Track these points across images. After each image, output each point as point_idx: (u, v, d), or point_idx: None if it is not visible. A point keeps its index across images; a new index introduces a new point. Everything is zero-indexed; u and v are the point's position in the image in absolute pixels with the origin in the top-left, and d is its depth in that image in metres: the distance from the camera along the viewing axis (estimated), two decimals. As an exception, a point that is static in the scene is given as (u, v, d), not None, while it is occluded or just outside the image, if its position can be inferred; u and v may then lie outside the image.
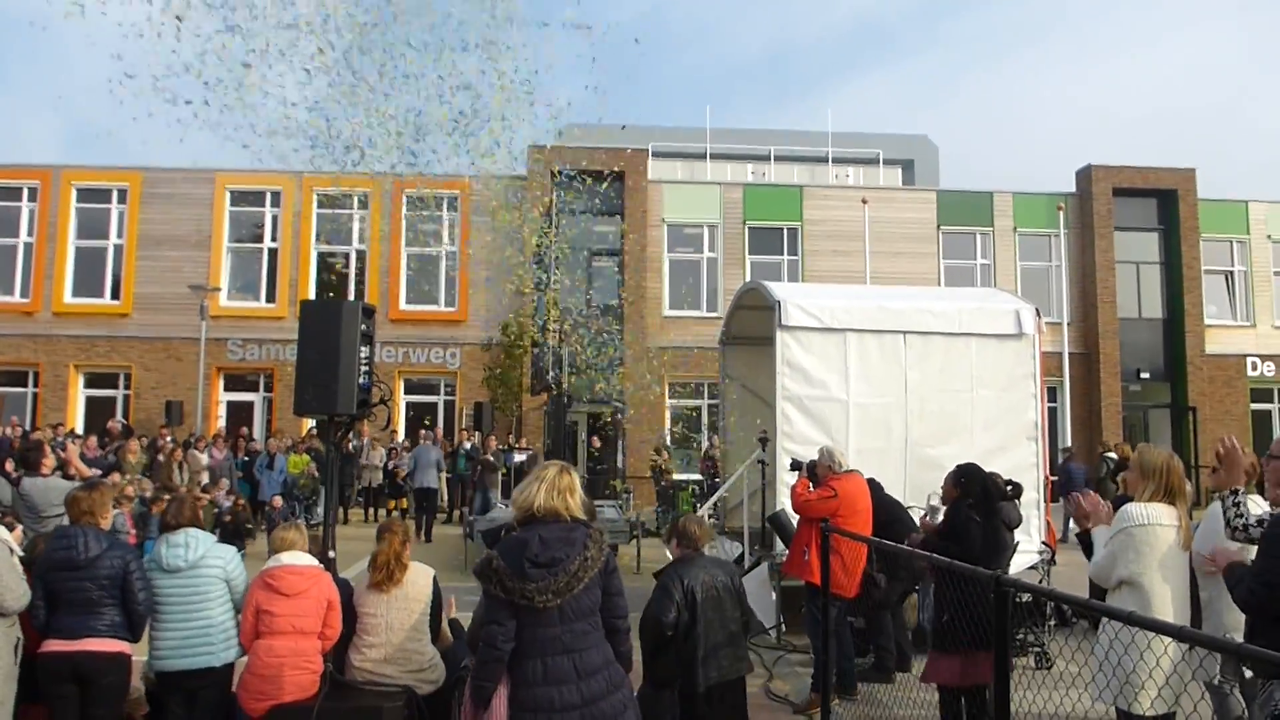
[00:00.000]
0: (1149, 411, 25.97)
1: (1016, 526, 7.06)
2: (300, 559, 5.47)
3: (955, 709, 5.74)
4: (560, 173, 21.68)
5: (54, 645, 5.06)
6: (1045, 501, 10.12)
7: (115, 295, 23.78)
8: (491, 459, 18.60)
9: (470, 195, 23.62)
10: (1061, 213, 23.98)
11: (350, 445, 17.90)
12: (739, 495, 11.59)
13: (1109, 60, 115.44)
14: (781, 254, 25.11)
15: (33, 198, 23.79)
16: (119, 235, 23.89)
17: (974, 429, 9.75)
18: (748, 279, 22.49)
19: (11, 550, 5.00)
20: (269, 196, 23.95)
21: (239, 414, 23.88)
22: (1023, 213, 25.79)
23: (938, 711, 5.88)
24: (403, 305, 23.96)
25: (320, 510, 13.55)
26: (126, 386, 23.71)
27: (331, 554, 6.45)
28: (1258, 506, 4.70)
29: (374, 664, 5.40)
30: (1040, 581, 9.17)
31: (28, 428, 20.79)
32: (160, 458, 17.11)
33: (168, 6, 8.69)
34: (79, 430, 22.11)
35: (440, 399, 24.59)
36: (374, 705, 5.28)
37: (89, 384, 24.00)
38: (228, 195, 23.96)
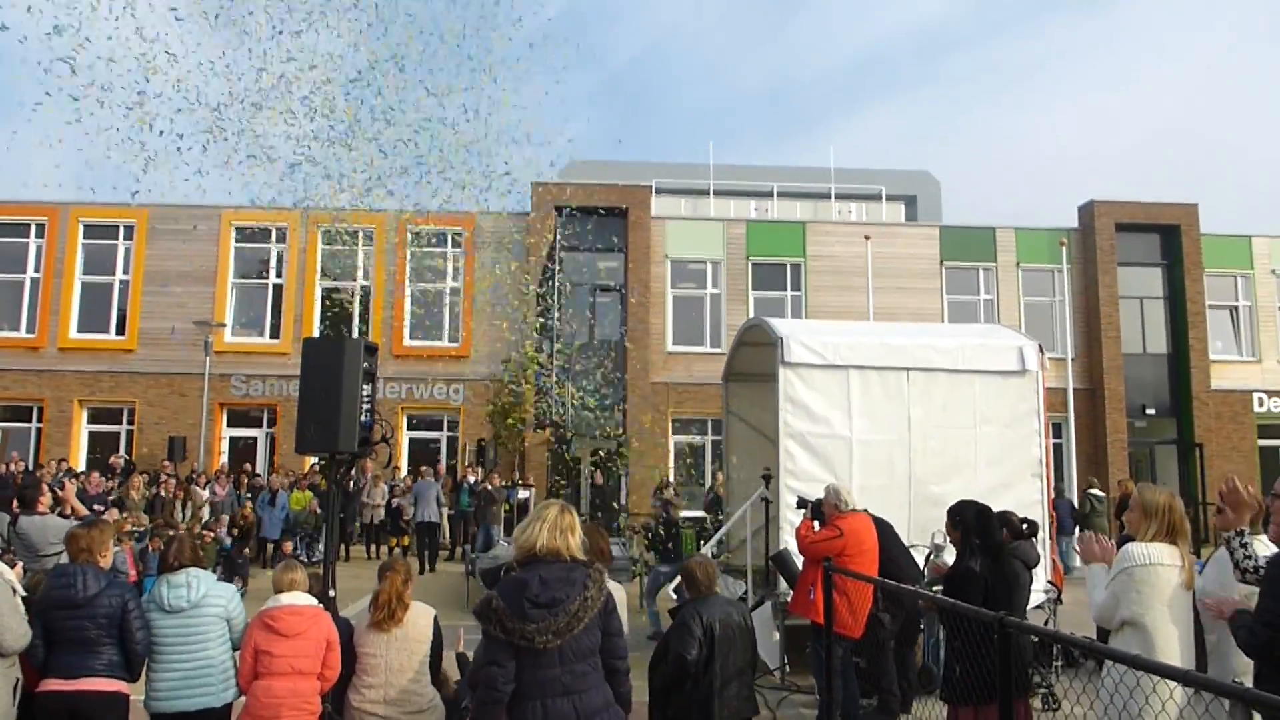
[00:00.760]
0: (1155, 447, 25.84)
1: (1035, 566, 6.99)
2: (300, 599, 5.43)
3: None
4: (564, 211, 21.86)
5: (52, 684, 5.02)
6: (1051, 539, 10.06)
7: (120, 331, 23.86)
8: (494, 494, 18.57)
9: (474, 232, 23.74)
10: (1064, 248, 24.02)
11: (352, 483, 17.86)
12: (742, 533, 11.53)
13: (1110, 96, 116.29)
14: (785, 290, 25.14)
15: (40, 234, 23.96)
16: (125, 271, 24.02)
17: (978, 466, 9.71)
18: (751, 315, 22.52)
19: (14, 590, 4.98)
20: (274, 233, 24.07)
21: (242, 450, 23.87)
22: (1025, 248, 25.84)
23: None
24: (406, 341, 23.99)
25: (322, 547, 13.50)
26: (130, 422, 23.71)
27: (332, 593, 6.40)
28: (1265, 547, 4.64)
29: (373, 705, 5.35)
30: (1046, 621, 9.08)
31: (31, 464, 20.79)
32: (162, 493, 17.12)
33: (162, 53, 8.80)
34: (81, 466, 22.11)
35: (443, 435, 24.55)
36: (373, 747, 5.23)
37: (93, 419, 24.01)
38: (233, 232, 24.08)
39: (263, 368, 23.52)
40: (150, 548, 13.59)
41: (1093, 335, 25.43)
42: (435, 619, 5.64)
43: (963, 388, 9.90)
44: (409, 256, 24.06)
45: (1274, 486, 4.72)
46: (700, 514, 19.16)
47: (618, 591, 4.79)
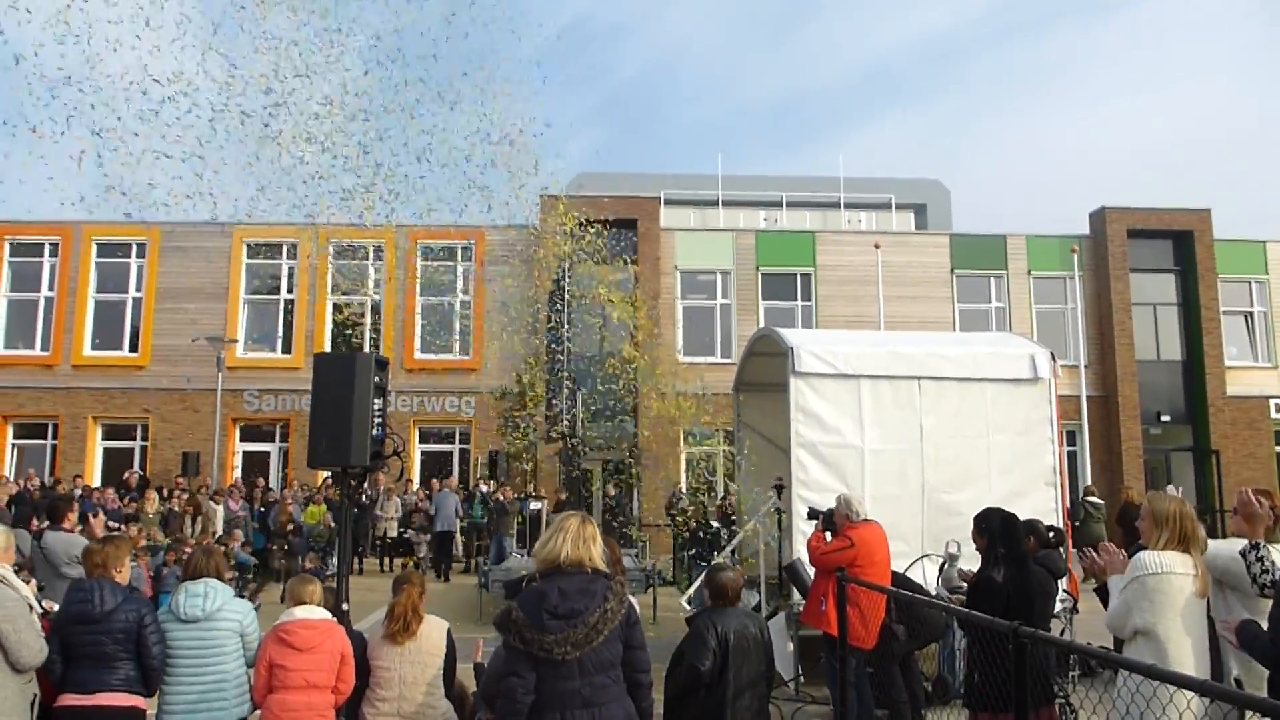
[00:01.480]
0: (1170, 455, 25.69)
1: (1062, 576, 6.96)
2: (313, 613, 5.45)
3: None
4: (578, 221, 21.87)
5: (69, 700, 5.05)
6: (1067, 548, 10.01)
7: (134, 348, 24.01)
8: (506, 506, 18.62)
9: (485, 244, 23.83)
10: (1076, 255, 23.97)
11: (365, 496, 17.95)
12: (755, 543, 11.51)
13: (1121, 102, 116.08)
14: (795, 299, 25.14)
15: (54, 253, 24.17)
16: (138, 289, 24.19)
17: (990, 474, 9.68)
18: (761, 325, 22.52)
19: (30, 606, 5.01)
20: (285, 249, 24.20)
21: (255, 464, 23.96)
22: (1037, 255, 25.79)
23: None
24: (417, 354, 24.07)
25: (335, 560, 13.55)
26: (144, 438, 23.86)
27: (345, 606, 6.42)
28: None
29: (387, 718, 5.36)
30: (1063, 630, 9.03)
31: (47, 480, 20.91)
32: (175, 508, 17.22)
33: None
34: (97, 482, 22.23)
35: (455, 448, 24.61)
36: (387, 761, 5.24)
37: (107, 436, 24.18)
38: (244, 248, 24.23)
39: (275, 382, 23.63)
40: (167, 562, 13.64)
41: (1105, 342, 25.34)
42: (449, 632, 5.65)
43: (975, 396, 9.88)
44: (419, 270, 24.16)
45: None
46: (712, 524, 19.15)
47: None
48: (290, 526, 17.63)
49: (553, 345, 17.80)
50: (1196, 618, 4.40)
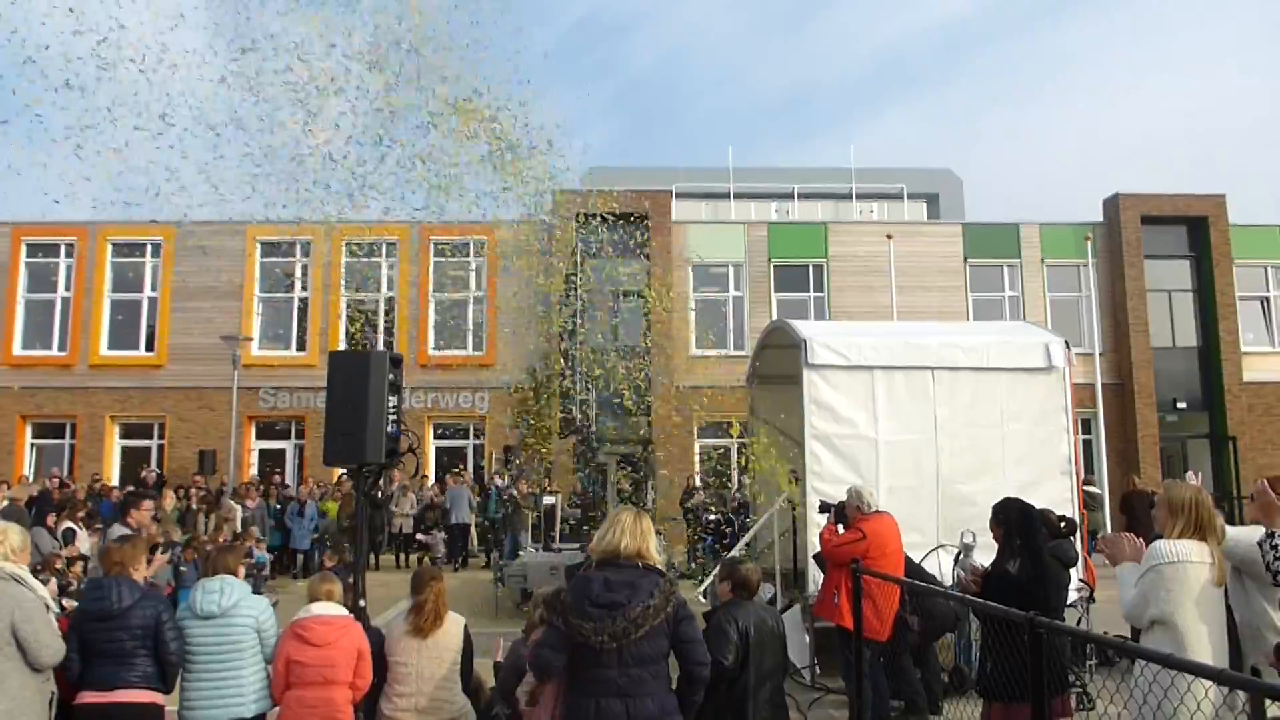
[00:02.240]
0: (1187, 442, 25.54)
1: (1074, 565, 6.94)
2: (331, 609, 5.48)
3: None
4: (589, 217, 21.85)
5: (88, 697, 5.09)
6: (1083, 538, 9.97)
7: (150, 347, 24.14)
8: (521, 501, 18.69)
9: (497, 241, 23.84)
10: (1090, 243, 23.77)
11: (380, 492, 18.05)
12: (769, 536, 11.51)
13: (1134, 88, 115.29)
14: (807, 291, 25.08)
15: (70, 254, 24.32)
16: (153, 288, 24.32)
17: (1005, 464, 9.64)
18: (774, 317, 22.47)
19: (47, 606, 5.05)
20: (299, 247, 24.28)
21: (271, 462, 24.08)
22: (1050, 244, 25.65)
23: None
24: (431, 351, 24.13)
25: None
26: (161, 436, 24.00)
27: (362, 603, 6.45)
28: None
29: (405, 713, 5.39)
30: (1079, 620, 9.00)
31: (65, 478, 21.05)
32: (192, 506, 17.34)
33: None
34: (115, 481, 22.38)
35: (470, 443, 24.68)
36: (405, 755, 5.27)
37: (124, 435, 24.34)
38: (258, 247, 24.31)
39: (290, 380, 23.73)
40: (185, 559, 13.72)
41: (1121, 330, 25.19)
42: (465, 627, 5.68)
43: (989, 386, 9.83)
44: (432, 266, 24.21)
45: None
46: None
47: None
48: (348, 523, 17.84)
49: (566, 339, 17.79)
50: (1214, 606, 4.37)
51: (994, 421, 9.77)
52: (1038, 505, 7.54)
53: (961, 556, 8.03)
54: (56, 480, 19.86)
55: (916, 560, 8.61)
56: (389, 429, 6.38)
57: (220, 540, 13.86)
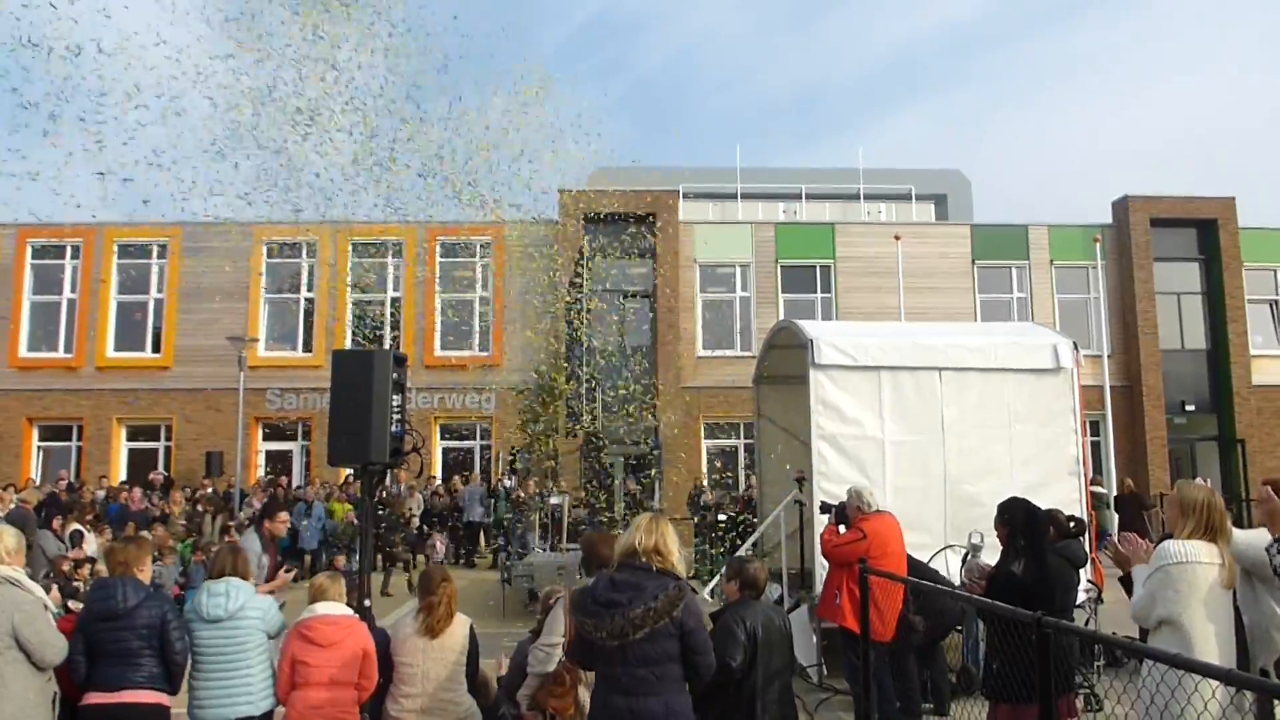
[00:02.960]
0: (1195, 444, 25.45)
1: (1083, 565, 6.91)
2: (335, 609, 5.47)
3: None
4: (596, 216, 21.88)
5: (94, 698, 5.09)
6: (1091, 538, 9.92)
7: (156, 349, 24.17)
8: (528, 502, 18.68)
9: (504, 240, 23.87)
10: (1098, 244, 23.68)
11: (386, 493, 18.07)
12: (776, 536, 11.48)
13: (1144, 90, 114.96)
14: (815, 292, 25.04)
15: (75, 255, 24.35)
16: (159, 290, 24.35)
17: (1013, 465, 9.60)
18: (781, 317, 22.42)
19: (46, 606, 5.05)
20: (304, 247, 24.29)
21: (278, 463, 24.10)
22: (1059, 245, 25.57)
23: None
24: (437, 351, 24.12)
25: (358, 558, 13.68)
26: (168, 438, 24.02)
27: (368, 603, 6.44)
28: None
29: (411, 714, 5.38)
30: (1087, 621, 8.96)
31: (73, 480, 21.10)
32: (198, 508, 17.38)
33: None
34: (123, 480, 22.40)
35: (476, 443, 24.67)
36: (411, 756, 5.25)
37: (131, 437, 24.35)
38: (264, 247, 24.32)
39: (297, 381, 23.73)
40: (194, 561, 13.76)
41: (1129, 332, 25.11)
42: (471, 628, 5.66)
43: (996, 386, 9.80)
44: (438, 266, 24.22)
45: None
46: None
47: None
48: (405, 518, 18.64)
49: (572, 339, 17.84)
50: (1222, 607, 4.34)
51: (1002, 422, 9.74)
52: (1045, 506, 7.52)
53: (969, 557, 7.99)
54: (64, 483, 19.90)
55: (925, 560, 8.57)
56: (393, 428, 6.36)
57: (230, 541, 13.90)
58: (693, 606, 4.20)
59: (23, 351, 24.05)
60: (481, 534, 20.65)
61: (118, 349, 24.18)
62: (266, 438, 24.48)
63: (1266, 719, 4.52)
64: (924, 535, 9.05)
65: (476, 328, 24.40)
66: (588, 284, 21.38)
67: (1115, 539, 4.99)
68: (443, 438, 24.63)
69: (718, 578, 11.46)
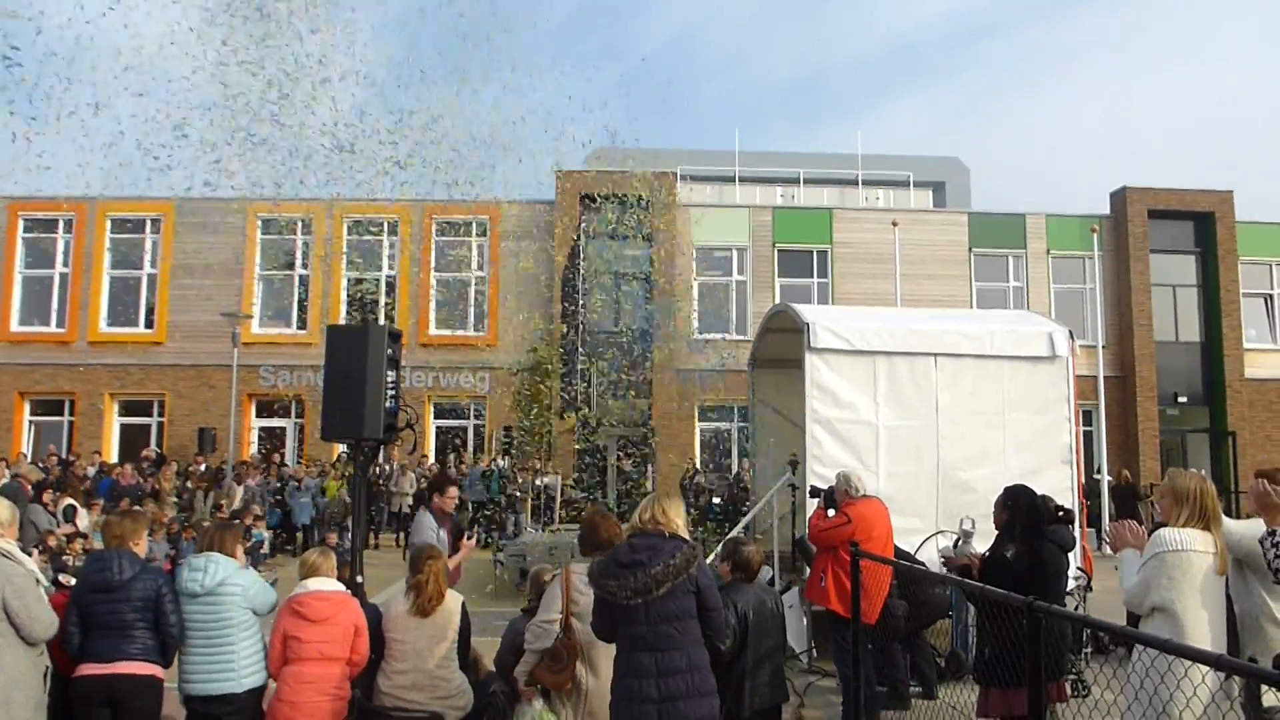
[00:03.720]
0: (1187, 436, 25.54)
1: (1070, 550, 6.94)
2: (327, 585, 5.47)
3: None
4: (593, 198, 21.80)
5: (88, 669, 5.09)
6: (1081, 526, 9.96)
7: (149, 324, 24.08)
8: (520, 482, 18.73)
9: (500, 220, 23.80)
10: (1095, 235, 23.64)
11: (378, 470, 18.04)
12: (769, 518, 11.50)
13: (1143, 82, 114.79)
14: (811, 276, 25.01)
15: (68, 229, 24.20)
16: (153, 265, 24.23)
17: (1006, 452, 9.62)
18: (777, 301, 22.41)
19: (38, 580, 5.04)
20: (300, 224, 24.18)
21: (271, 440, 24.07)
22: (1056, 235, 25.57)
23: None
24: (432, 330, 24.08)
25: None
26: (160, 414, 23.97)
27: (360, 579, 6.44)
28: None
29: (402, 690, 5.38)
30: (1076, 607, 8.99)
31: (64, 456, 21.04)
32: (189, 484, 17.37)
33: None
34: (114, 459, 22.35)
35: (470, 423, 24.66)
36: (401, 731, 5.26)
37: (123, 412, 24.28)
38: (259, 223, 24.20)
39: (290, 358, 23.67)
40: (185, 537, 13.77)
41: (1124, 323, 25.16)
42: (463, 605, 5.67)
43: (991, 374, 9.80)
44: (434, 246, 24.14)
45: None
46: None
47: None
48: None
49: (568, 320, 17.81)
50: (1215, 595, 4.37)
51: (996, 409, 9.74)
52: (1037, 493, 7.53)
53: (959, 544, 8.02)
54: (55, 459, 19.85)
55: (912, 549, 8.59)
56: (387, 404, 6.35)
57: (220, 518, 13.92)
58: (704, 566, 4.45)
59: (14, 325, 23.96)
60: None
61: (110, 324, 24.08)
62: (259, 414, 24.44)
63: (1254, 706, 4.55)
64: (915, 520, 9.08)
65: (472, 307, 24.34)
66: (584, 265, 21.34)
67: (1120, 522, 4.99)
68: (437, 416, 24.60)
69: (711, 556, 11.49)
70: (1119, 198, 25.76)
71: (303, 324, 24.09)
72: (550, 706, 4.93)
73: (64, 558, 11.14)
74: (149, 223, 24.26)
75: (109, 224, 24.22)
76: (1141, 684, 3.93)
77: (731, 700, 5.20)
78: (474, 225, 24.20)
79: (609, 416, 20.33)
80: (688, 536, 4.47)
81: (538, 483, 19.14)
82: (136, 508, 12.14)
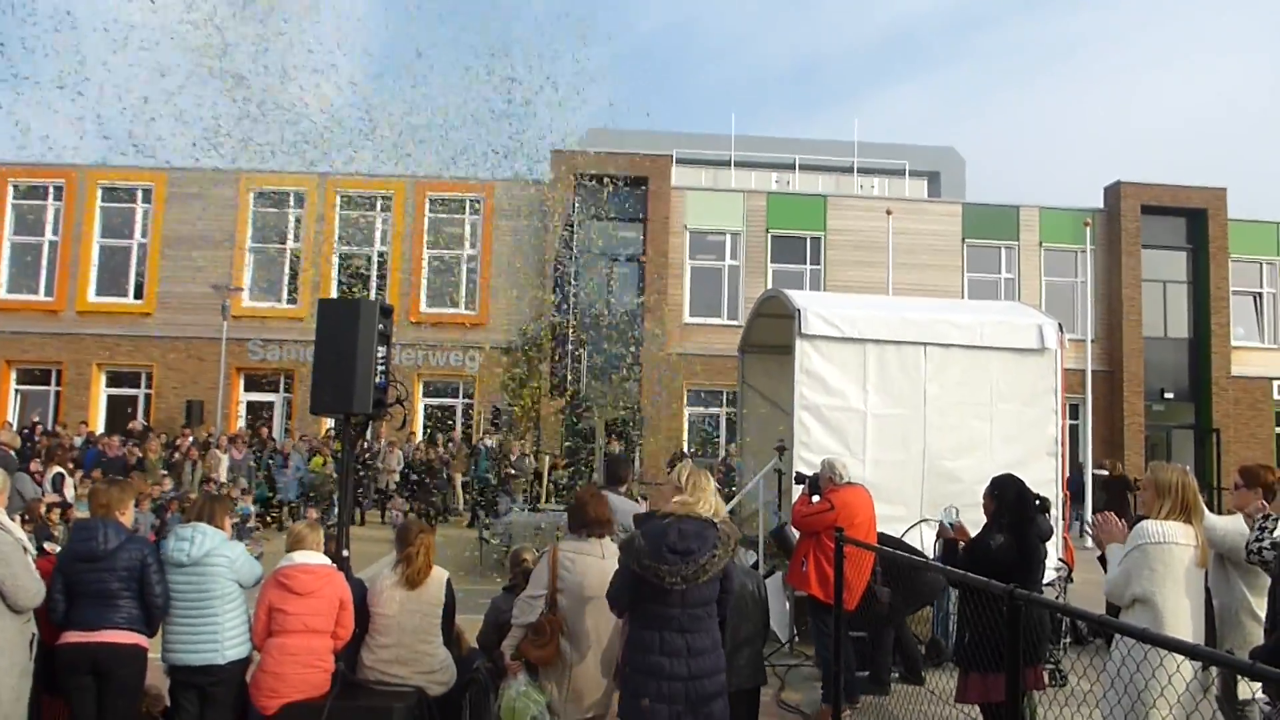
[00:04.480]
0: (1172, 431, 25.70)
1: (1048, 539, 6.97)
2: (313, 558, 5.48)
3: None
4: (587, 178, 21.72)
5: (72, 637, 5.09)
6: (1064, 518, 10.02)
7: (138, 295, 23.95)
8: (511, 459, 18.77)
9: (493, 198, 23.72)
10: (1088, 229, 23.72)
11: (365, 447, 17.99)
12: (754, 504, 11.53)
13: (1141, 77, 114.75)
14: (804, 263, 25.03)
15: (58, 197, 24.02)
16: (143, 235, 24.08)
17: (993, 443, 9.64)
18: (769, 287, 22.42)
19: (25, 548, 5.04)
20: (292, 197, 24.06)
21: (259, 414, 24.01)
22: (1049, 228, 25.62)
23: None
24: (423, 308, 24.02)
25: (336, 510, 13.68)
26: (148, 386, 23.86)
27: (346, 553, 6.44)
28: None
29: (386, 664, 5.41)
30: (1057, 599, 9.06)
31: (50, 426, 20.96)
32: (177, 456, 17.32)
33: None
34: (100, 429, 22.26)
35: (459, 401, 24.63)
36: (385, 705, 5.29)
37: (111, 383, 24.17)
38: (251, 196, 24.06)
39: (280, 333, 23.59)
40: (170, 509, 13.74)
41: (1114, 318, 25.25)
42: (448, 582, 5.68)
43: (980, 364, 9.81)
44: (427, 223, 24.06)
45: None
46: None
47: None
48: (448, 476, 19.37)
49: (559, 300, 17.77)
50: (1195, 588, 4.41)
51: (984, 400, 9.76)
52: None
53: (958, 514, 8.04)
54: (39, 427, 19.76)
55: (898, 535, 8.63)
56: (377, 380, 6.33)
57: (208, 490, 13.90)
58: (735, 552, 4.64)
59: (2, 293, 23.81)
60: (459, 496, 20.45)
61: (99, 294, 23.93)
62: (248, 388, 24.37)
63: (1229, 697, 4.61)
64: (900, 508, 9.10)
65: (464, 286, 24.28)
66: (577, 245, 21.29)
67: (1102, 516, 5.03)
68: (426, 394, 24.57)
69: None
70: (1113, 192, 25.81)
71: (293, 298, 23.99)
72: (535, 682, 4.95)
73: (47, 527, 11.12)
74: (140, 192, 24.08)
75: (100, 192, 24.04)
76: (1118, 672, 3.98)
77: None
78: (468, 203, 24.11)
79: (599, 398, 20.36)
80: (709, 513, 4.54)
81: (531, 461, 19.18)
82: (125, 478, 12.11)
